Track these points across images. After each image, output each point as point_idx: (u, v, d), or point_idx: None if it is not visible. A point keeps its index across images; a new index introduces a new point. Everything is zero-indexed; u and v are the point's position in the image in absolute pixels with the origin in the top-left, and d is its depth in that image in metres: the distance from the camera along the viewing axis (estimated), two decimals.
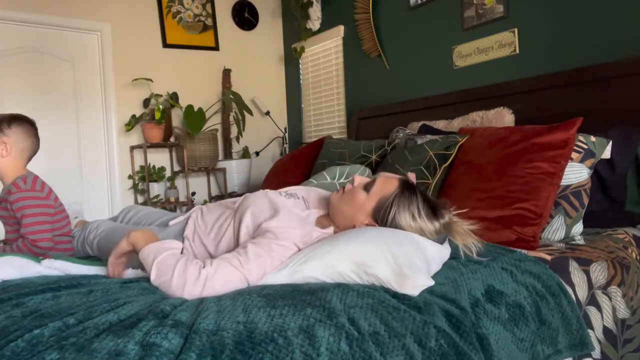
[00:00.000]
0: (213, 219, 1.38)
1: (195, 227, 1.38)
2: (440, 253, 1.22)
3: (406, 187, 1.27)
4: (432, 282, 1.04)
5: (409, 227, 1.23)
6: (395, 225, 1.24)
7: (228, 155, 3.94)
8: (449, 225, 1.27)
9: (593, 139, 1.67)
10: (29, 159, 1.59)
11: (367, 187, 1.30)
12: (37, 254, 1.45)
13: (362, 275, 1.07)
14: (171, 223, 1.47)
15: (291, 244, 1.18)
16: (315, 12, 3.71)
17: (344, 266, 1.08)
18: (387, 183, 1.29)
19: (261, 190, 1.42)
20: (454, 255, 1.29)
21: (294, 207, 1.33)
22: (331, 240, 1.17)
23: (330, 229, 1.31)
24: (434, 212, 1.26)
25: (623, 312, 1.42)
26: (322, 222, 1.36)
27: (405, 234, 1.19)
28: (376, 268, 1.06)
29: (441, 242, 1.27)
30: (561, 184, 1.61)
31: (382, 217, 1.26)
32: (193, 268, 1.06)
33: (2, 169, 1.53)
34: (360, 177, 1.35)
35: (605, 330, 1.36)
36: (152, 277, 1.09)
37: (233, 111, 3.73)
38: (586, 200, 1.64)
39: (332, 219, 1.35)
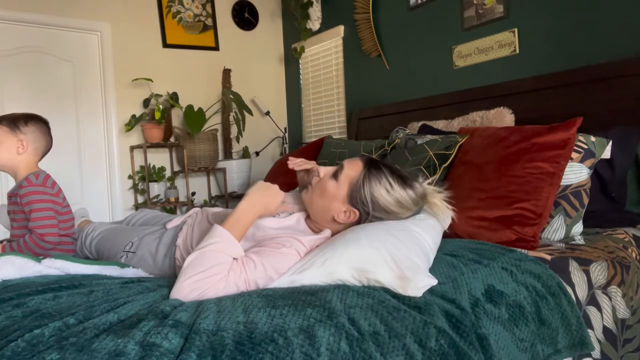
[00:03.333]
0: (199, 235, 1.35)
1: (186, 238, 1.36)
2: (435, 238, 1.24)
3: (371, 164, 1.28)
4: (434, 282, 1.04)
5: (386, 202, 1.25)
6: (373, 203, 1.25)
7: (228, 155, 3.94)
8: (425, 196, 1.30)
9: (593, 139, 1.67)
10: (42, 157, 1.63)
11: (335, 176, 1.30)
12: (43, 249, 1.48)
13: (364, 281, 1.07)
14: (168, 226, 1.46)
15: (296, 252, 1.17)
16: (315, 12, 3.71)
17: (345, 273, 1.08)
18: (352, 165, 1.29)
19: None
20: (454, 253, 1.30)
21: (281, 222, 1.31)
22: (329, 246, 1.15)
23: (327, 232, 1.29)
24: (404, 180, 1.28)
25: (623, 312, 1.42)
26: (311, 225, 1.35)
27: (400, 229, 1.19)
28: (377, 273, 1.06)
29: (418, 212, 1.31)
30: (561, 184, 1.61)
31: (358, 199, 1.26)
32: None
33: (17, 166, 1.56)
34: (324, 167, 1.35)
35: (605, 330, 1.36)
36: (186, 260, 1.06)
37: (233, 111, 3.73)
38: (586, 200, 1.64)
39: (312, 217, 1.35)
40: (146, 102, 3.59)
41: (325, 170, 1.33)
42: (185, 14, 3.82)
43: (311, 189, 1.34)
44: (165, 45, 3.73)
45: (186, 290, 1.02)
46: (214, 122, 3.88)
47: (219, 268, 1.05)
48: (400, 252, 1.09)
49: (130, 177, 3.63)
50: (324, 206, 1.29)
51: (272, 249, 1.14)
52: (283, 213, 1.38)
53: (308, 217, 1.37)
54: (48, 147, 1.64)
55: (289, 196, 1.50)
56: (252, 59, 4.14)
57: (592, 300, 1.36)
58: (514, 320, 1.09)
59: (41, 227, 1.47)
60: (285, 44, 4.26)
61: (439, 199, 1.33)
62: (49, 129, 1.63)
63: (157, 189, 3.62)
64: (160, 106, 3.38)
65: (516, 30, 2.40)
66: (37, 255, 1.46)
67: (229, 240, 1.11)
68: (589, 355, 1.28)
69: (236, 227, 1.16)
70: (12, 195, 1.57)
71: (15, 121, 1.56)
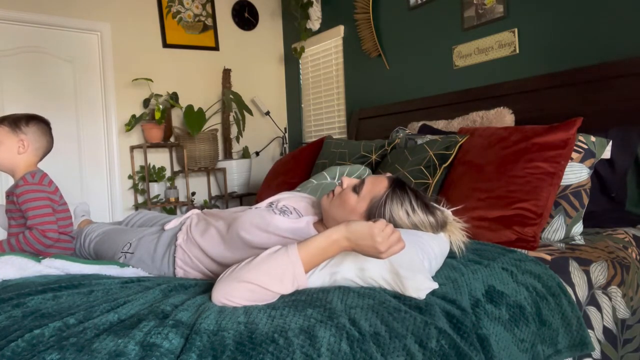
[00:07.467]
0: (198, 234, 1.34)
1: (187, 236, 1.36)
2: (442, 248, 1.22)
3: (397, 185, 1.26)
4: (435, 285, 1.03)
5: (404, 224, 1.22)
6: (390, 223, 1.23)
7: (228, 155, 3.94)
8: (445, 225, 1.27)
9: (593, 139, 1.67)
10: (42, 157, 1.64)
11: (356, 189, 1.27)
12: (44, 245, 1.48)
13: (368, 280, 1.07)
14: (167, 227, 1.46)
15: None
16: (315, 12, 3.71)
17: (350, 273, 1.07)
18: (377, 182, 1.27)
19: (252, 211, 1.34)
20: (454, 254, 1.29)
21: (292, 223, 1.30)
22: None
23: None
24: (427, 207, 1.25)
25: (623, 312, 1.42)
26: (320, 231, 1.33)
27: (403, 232, 1.18)
28: (371, 270, 1.05)
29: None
30: (561, 184, 1.61)
31: (376, 217, 1.23)
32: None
33: (16, 165, 1.58)
34: (349, 178, 1.33)
35: (605, 330, 1.36)
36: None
37: (233, 111, 3.73)
38: (586, 200, 1.64)
39: (325, 224, 1.33)
40: (146, 102, 3.59)
41: (348, 182, 1.31)
42: (185, 14, 3.81)
43: (332, 196, 1.32)
44: (165, 45, 3.73)
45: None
46: (214, 122, 3.88)
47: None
48: (405, 255, 1.09)
49: (130, 177, 3.63)
50: (341, 218, 1.27)
51: None
52: (292, 214, 1.37)
53: (318, 222, 1.36)
54: (49, 148, 1.65)
55: (302, 198, 1.49)
56: (252, 59, 4.14)
57: (592, 301, 1.36)
58: (515, 320, 1.09)
59: (42, 223, 1.48)
60: (285, 44, 4.26)
61: (458, 230, 1.29)
62: (50, 129, 1.65)
63: (157, 189, 3.62)
64: (160, 106, 3.38)
65: (516, 30, 2.40)
66: (37, 251, 1.47)
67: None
68: (589, 356, 1.28)
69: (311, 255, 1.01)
70: (9, 194, 1.58)
71: (16, 121, 1.57)
